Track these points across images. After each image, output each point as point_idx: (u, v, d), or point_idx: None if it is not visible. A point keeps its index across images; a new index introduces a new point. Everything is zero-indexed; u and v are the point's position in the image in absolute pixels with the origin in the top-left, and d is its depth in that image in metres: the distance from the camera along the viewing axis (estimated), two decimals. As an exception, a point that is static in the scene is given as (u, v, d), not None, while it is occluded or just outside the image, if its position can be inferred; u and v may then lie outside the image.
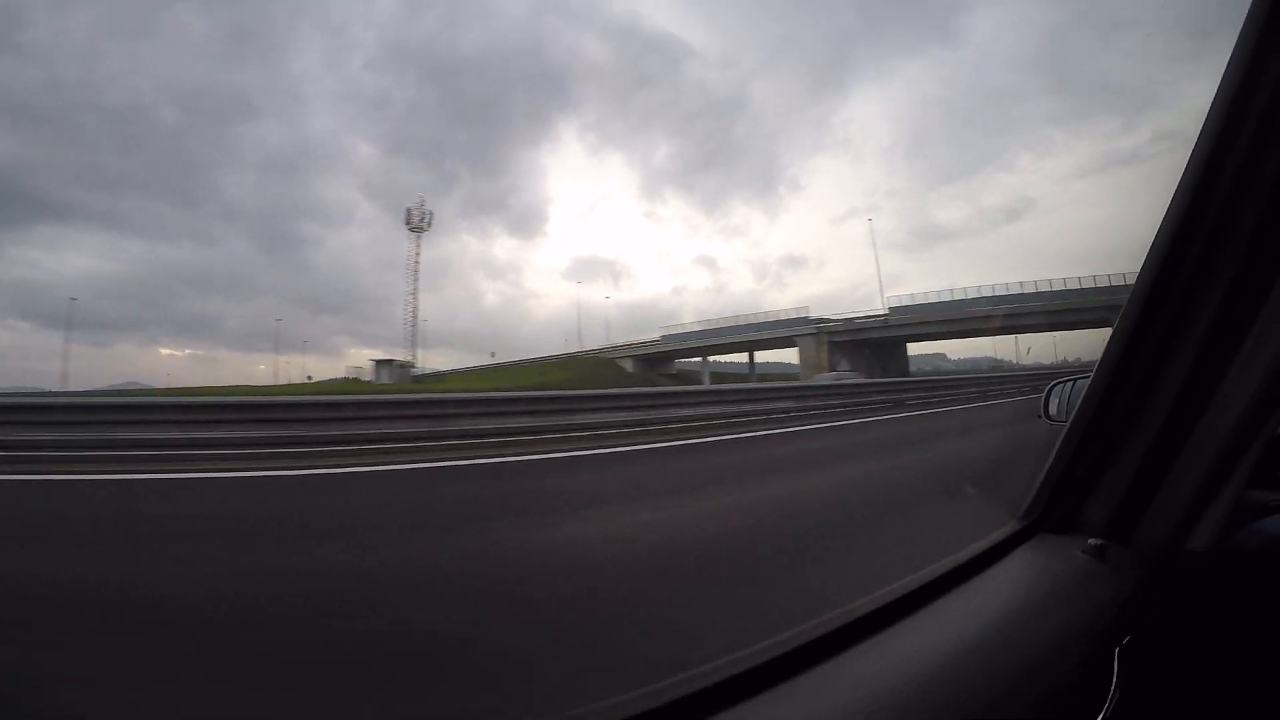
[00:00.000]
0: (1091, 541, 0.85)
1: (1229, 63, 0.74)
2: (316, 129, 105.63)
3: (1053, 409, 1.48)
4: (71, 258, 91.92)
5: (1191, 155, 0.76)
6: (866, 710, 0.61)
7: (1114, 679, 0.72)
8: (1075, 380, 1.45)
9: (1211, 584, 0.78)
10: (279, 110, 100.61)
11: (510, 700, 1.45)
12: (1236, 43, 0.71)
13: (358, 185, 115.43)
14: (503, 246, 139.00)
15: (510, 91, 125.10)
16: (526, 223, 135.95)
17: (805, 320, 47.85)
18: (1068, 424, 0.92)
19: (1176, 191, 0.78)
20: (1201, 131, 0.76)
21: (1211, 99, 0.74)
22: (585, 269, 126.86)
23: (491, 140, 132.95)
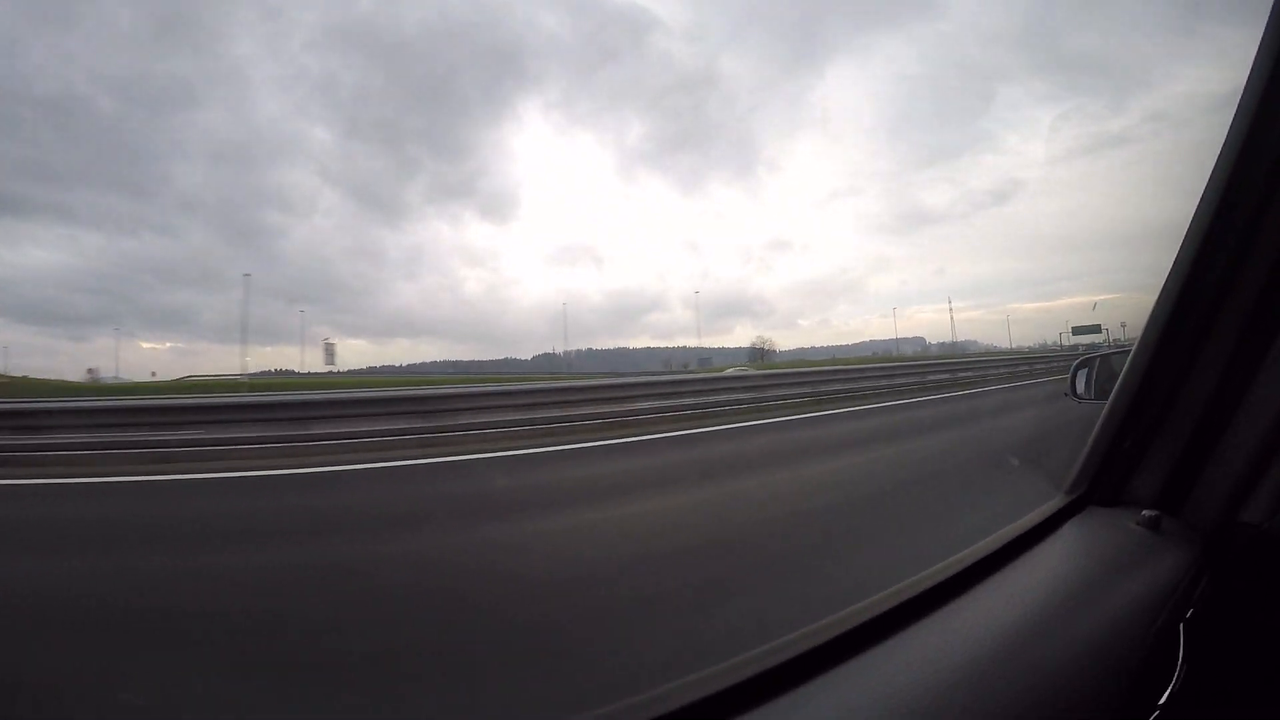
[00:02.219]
0: (1145, 513, 0.85)
1: (1264, 34, 0.75)
2: (265, 115, 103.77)
3: (1080, 387, 1.50)
4: (31, 251, 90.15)
5: (1231, 128, 0.77)
6: (931, 690, 0.59)
7: (1180, 653, 0.72)
8: (1100, 358, 1.48)
9: (1272, 557, 0.78)
10: (222, 96, 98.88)
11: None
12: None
13: (316, 171, 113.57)
14: (477, 232, 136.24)
15: (462, 69, 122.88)
16: (499, 207, 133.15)
17: None
18: (1111, 396, 0.93)
19: (1218, 162, 0.79)
20: (1239, 106, 0.76)
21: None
22: (566, 254, 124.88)
23: (449, 121, 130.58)
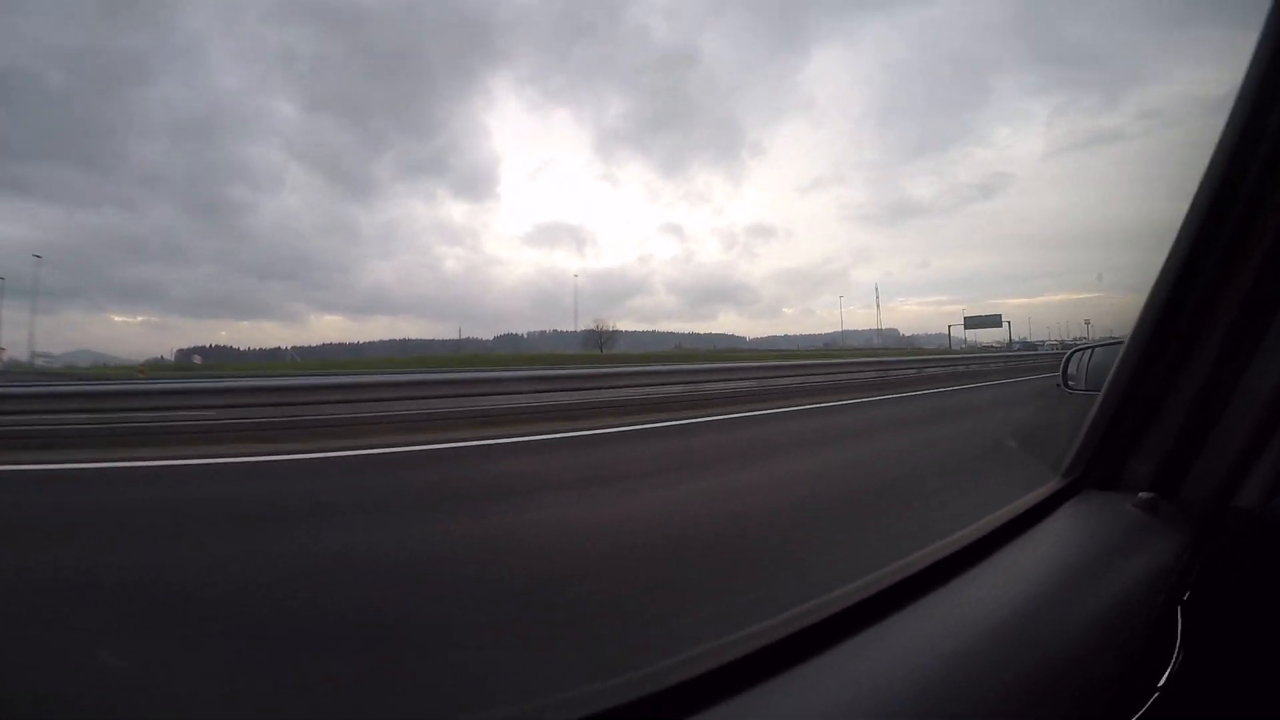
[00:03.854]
0: (1142, 495, 0.87)
1: (1264, 29, 0.76)
2: (224, 89, 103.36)
3: (1071, 379, 1.53)
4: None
5: (1228, 122, 0.78)
6: (930, 668, 0.58)
7: (1178, 636, 0.73)
8: (1094, 348, 1.51)
9: (1265, 542, 0.79)
10: (178, 70, 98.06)
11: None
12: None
13: (282, 146, 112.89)
14: (454, 210, 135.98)
15: (424, 41, 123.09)
16: (474, 185, 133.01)
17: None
18: (1107, 382, 0.95)
19: (1215, 152, 0.80)
20: (1237, 99, 0.78)
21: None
22: (547, 235, 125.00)
23: (414, 96, 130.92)
